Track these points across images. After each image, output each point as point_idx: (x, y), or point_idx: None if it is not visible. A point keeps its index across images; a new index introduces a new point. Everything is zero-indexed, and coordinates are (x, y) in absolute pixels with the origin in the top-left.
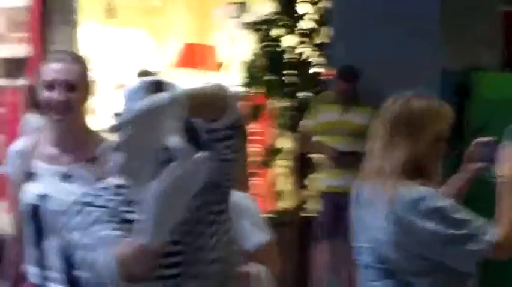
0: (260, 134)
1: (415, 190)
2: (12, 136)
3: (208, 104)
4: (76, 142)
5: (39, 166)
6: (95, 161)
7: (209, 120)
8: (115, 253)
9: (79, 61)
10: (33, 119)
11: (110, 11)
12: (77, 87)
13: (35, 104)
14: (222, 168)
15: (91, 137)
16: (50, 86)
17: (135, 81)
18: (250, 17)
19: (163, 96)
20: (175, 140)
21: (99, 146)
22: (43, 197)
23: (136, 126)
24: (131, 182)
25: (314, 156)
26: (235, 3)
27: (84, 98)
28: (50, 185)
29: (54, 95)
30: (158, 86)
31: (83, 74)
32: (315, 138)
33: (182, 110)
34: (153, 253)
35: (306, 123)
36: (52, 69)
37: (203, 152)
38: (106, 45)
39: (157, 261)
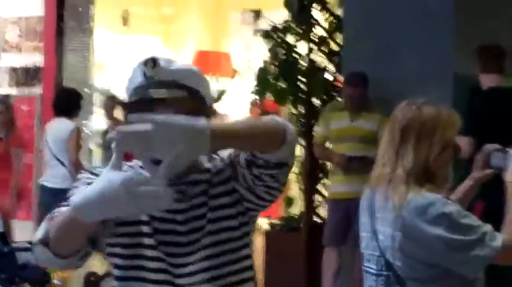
0: None
1: (423, 196)
2: (27, 143)
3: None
4: None
5: None
6: None
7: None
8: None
9: None
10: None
11: (125, 19)
12: None
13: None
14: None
15: None
16: None
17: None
18: (264, 24)
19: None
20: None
21: None
22: None
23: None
24: None
25: (325, 162)
26: (250, 10)
27: None
28: None
29: None
30: (154, 62)
31: None
32: (326, 145)
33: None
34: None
35: (317, 130)
36: None
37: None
38: (121, 52)
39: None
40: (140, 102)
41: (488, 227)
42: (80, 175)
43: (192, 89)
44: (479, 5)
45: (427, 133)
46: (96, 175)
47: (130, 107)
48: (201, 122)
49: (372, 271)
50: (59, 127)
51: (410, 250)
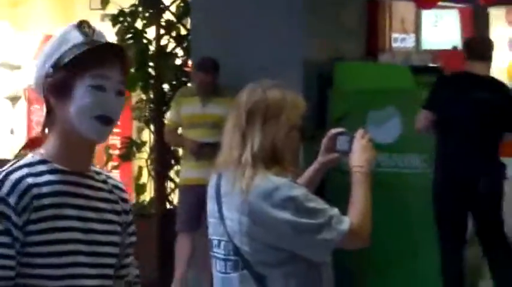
0: (120, 127)
1: (269, 180)
2: None
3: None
4: None
5: None
6: None
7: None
8: None
9: None
10: None
11: None
12: None
13: None
14: None
15: None
16: None
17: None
18: (112, 9)
19: None
20: None
21: None
22: None
23: None
24: None
25: (176, 149)
26: None
27: None
28: None
29: None
30: (88, 24)
31: None
32: (178, 131)
33: None
34: None
35: (168, 116)
36: None
37: None
38: None
39: None
40: (87, 56)
41: (335, 211)
42: None
43: None
44: None
45: (272, 115)
46: None
47: (71, 66)
48: None
49: (220, 256)
50: None
51: (257, 234)
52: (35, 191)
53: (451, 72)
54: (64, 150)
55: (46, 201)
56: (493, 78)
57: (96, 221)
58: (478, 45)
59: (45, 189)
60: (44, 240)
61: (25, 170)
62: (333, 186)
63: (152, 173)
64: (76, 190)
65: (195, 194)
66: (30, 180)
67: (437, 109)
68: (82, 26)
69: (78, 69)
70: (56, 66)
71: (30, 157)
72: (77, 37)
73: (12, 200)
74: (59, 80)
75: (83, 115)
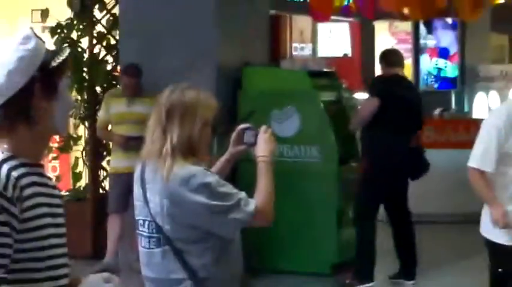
0: None
1: (187, 168)
2: None
3: None
4: None
5: None
6: None
7: None
8: None
9: None
10: None
11: None
12: None
13: None
14: None
15: None
16: None
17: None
18: (51, 22)
19: None
20: None
21: None
22: None
23: None
24: None
25: (107, 142)
26: (38, 10)
27: None
28: None
29: None
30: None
31: None
32: (108, 127)
33: None
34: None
35: (99, 115)
36: None
37: None
38: None
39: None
40: (61, 67)
41: (243, 195)
42: None
43: None
44: (241, 2)
45: (189, 113)
46: None
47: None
48: None
49: (144, 234)
50: None
51: (176, 215)
52: (20, 183)
53: (382, 76)
54: (33, 144)
55: (29, 191)
56: (410, 81)
57: (56, 206)
58: (394, 56)
59: (25, 181)
60: (34, 226)
61: (6, 166)
62: (242, 173)
63: (87, 163)
64: (42, 180)
65: (123, 181)
66: (14, 173)
67: (380, 100)
68: (37, 35)
69: (61, 72)
70: (42, 70)
71: (1, 154)
72: (41, 44)
73: (8, 193)
74: (49, 82)
75: (66, 112)
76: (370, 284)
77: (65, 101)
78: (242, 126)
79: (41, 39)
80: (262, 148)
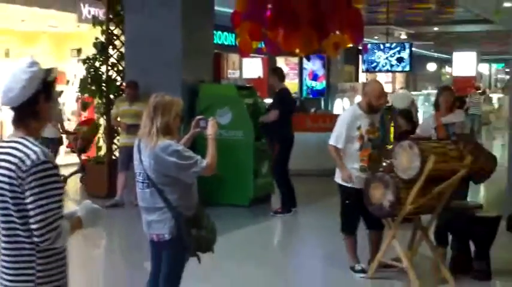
0: (89, 116)
1: (165, 142)
2: None
3: None
4: None
5: None
6: None
7: None
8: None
9: None
10: None
11: None
12: None
13: None
14: None
15: None
16: None
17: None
18: (83, 56)
19: None
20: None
21: None
22: None
23: None
24: None
25: (117, 127)
26: (75, 49)
27: None
28: None
29: None
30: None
31: None
32: (118, 119)
33: None
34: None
35: (112, 111)
36: None
37: None
38: None
39: None
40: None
41: (199, 157)
42: None
43: None
44: (200, 22)
45: (167, 109)
46: None
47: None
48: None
49: (139, 180)
50: None
51: (158, 169)
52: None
53: (281, 89)
54: (37, 130)
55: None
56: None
57: None
58: (282, 72)
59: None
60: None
61: (28, 143)
62: (199, 145)
63: (105, 140)
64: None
65: (127, 151)
66: (41, 147)
67: (282, 107)
68: (36, 61)
69: (54, 85)
70: (43, 84)
71: (30, 139)
72: (40, 66)
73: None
74: (50, 91)
75: (55, 109)
76: (294, 209)
77: (55, 103)
78: (198, 117)
79: (38, 63)
80: (210, 131)
